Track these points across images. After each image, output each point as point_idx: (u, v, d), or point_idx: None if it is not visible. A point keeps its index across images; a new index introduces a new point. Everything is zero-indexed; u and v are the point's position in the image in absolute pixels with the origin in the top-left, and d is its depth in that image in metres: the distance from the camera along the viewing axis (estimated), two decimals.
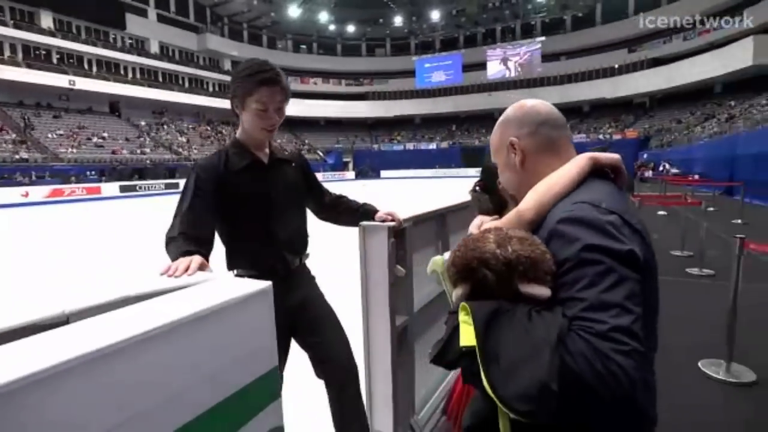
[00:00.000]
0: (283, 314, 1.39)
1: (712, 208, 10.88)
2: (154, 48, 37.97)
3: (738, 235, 2.87)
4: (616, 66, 39.65)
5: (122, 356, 0.60)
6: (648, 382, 0.81)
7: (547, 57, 42.91)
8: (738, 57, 28.88)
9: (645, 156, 29.08)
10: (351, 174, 44.29)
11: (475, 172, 36.91)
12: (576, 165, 0.91)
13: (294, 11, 45.69)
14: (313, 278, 1.76)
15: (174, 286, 0.88)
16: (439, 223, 2.39)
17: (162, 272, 1.05)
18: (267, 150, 1.61)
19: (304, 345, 1.66)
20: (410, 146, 47.13)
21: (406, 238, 1.85)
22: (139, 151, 30.06)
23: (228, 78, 42.84)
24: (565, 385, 0.65)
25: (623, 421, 0.76)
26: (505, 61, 45.10)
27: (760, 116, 17.51)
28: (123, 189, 24.22)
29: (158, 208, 16.81)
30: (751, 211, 10.14)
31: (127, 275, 5.94)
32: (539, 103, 1.02)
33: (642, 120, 38.13)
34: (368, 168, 44.70)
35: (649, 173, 23.13)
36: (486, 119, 48.04)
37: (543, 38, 43.22)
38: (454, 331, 0.76)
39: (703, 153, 19.94)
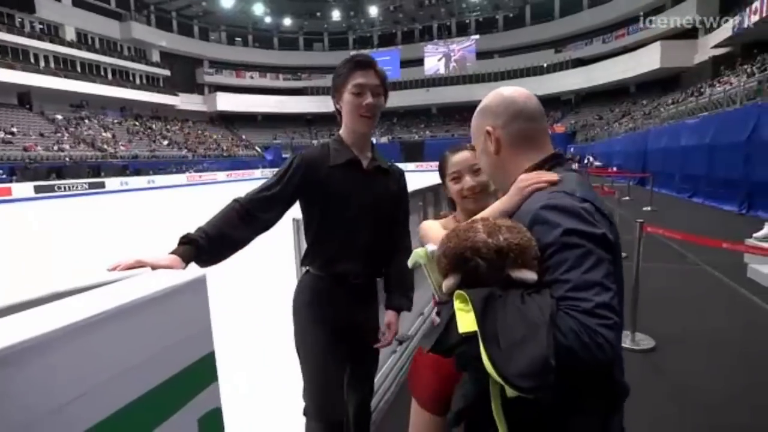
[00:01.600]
0: (341, 323, 1.50)
1: (627, 198, 11.97)
2: (70, 35, 34.88)
3: (638, 220, 3.24)
4: (545, 65, 42.05)
5: (48, 347, 0.64)
6: (619, 353, 0.88)
7: (482, 54, 44.57)
8: (648, 60, 31.69)
9: (572, 149, 31.18)
10: None
11: (414, 166, 37.70)
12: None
13: (227, 1, 43.95)
14: (377, 302, 1.65)
15: (107, 280, 0.91)
16: None
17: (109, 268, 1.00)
18: (369, 154, 1.53)
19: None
20: None
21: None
22: (56, 148, 27.56)
23: (158, 70, 40.53)
24: (558, 360, 0.70)
25: (606, 391, 0.85)
26: (441, 57, 46.26)
27: (666, 114, 19.34)
28: (38, 189, 22.17)
29: (81, 209, 15.64)
30: (659, 199, 11.24)
31: (43, 280, 5.53)
32: (517, 92, 1.03)
33: (569, 116, 40.74)
34: None
35: (575, 165, 24.85)
36: (424, 114, 49.11)
37: (477, 36, 44.82)
38: (451, 319, 0.78)
39: (620, 147, 21.74)
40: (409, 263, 1.00)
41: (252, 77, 48.31)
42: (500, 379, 0.70)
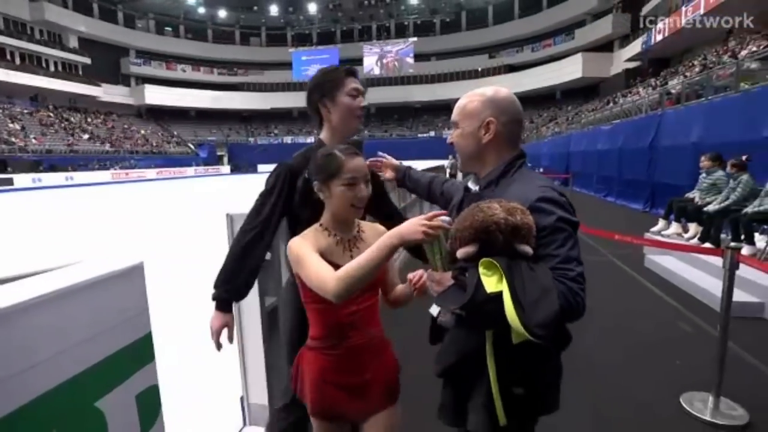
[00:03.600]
0: None
1: None
2: None
3: None
4: (479, 69, 43.82)
5: None
6: None
7: (419, 57, 45.56)
8: (571, 69, 34.10)
9: None
10: (226, 168, 41.96)
11: None
12: None
13: None
14: None
15: (49, 267, 0.97)
16: None
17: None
18: None
19: None
20: (288, 140, 46.28)
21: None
22: None
23: (76, 57, 37.30)
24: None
25: (563, 337, 1.10)
26: (380, 58, 46.72)
27: (586, 120, 20.96)
28: None
29: None
30: (579, 198, 12.22)
31: None
32: (515, 98, 1.23)
33: None
34: (244, 162, 42.74)
35: None
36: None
37: (415, 39, 45.75)
38: (479, 282, 0.96)
39: (547, 149, 23.28)
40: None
41: (184, 70, 45.92)
42: (523, 328, 0.90)
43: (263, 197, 1.50)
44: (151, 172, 33.09)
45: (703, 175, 5.58)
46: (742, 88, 8.01)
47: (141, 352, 1.01)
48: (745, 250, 4.34)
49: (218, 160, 43.22)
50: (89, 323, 0.88)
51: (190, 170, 37.11)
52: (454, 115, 1.25)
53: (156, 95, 42.28)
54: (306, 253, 1.14)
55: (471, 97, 1.23)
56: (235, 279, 1.43)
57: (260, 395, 2.04)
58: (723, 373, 2.34)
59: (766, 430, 2.21)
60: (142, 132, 40.16)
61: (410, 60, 45.87)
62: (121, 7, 41.71)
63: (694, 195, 5.69)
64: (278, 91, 48.44)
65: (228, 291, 1.43)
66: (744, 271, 3.73)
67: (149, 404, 1.03)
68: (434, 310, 1.19)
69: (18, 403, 0.74)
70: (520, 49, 41.58)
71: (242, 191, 19.25)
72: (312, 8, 47.07)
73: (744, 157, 5.02)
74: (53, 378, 0.80)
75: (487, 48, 43.59)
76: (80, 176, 27.10)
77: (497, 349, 1.05)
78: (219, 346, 1.40)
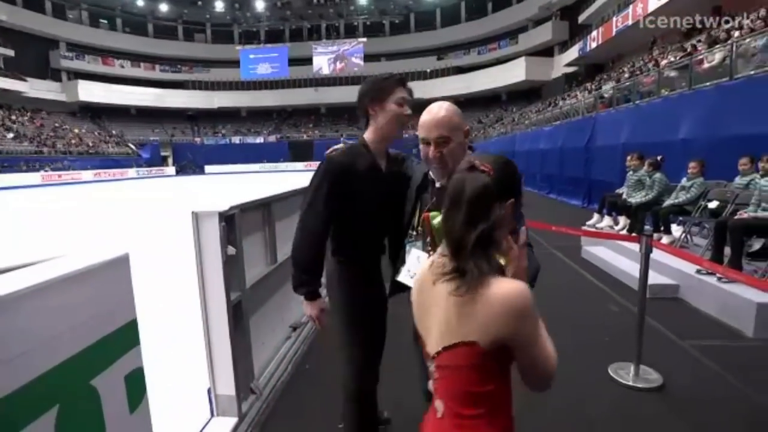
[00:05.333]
0: (370, 296, 1.79)
1: None
2: None
3: None
4: (428, 70, 44.70)
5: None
6: None
7: (369, 57, 45.78)
8: (515, 72, 35.62)
9: None
10: (171, 170, 40.26)
11: (303, 166, 37.52)
12: None
13: None
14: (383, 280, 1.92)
15: (40, 259, 1.04)
16: (266, 211, 2.70)
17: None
18: (385, 158, 1.77)
19: None
20: (236, 140, 45.10)
21: (235, 224, 2.13)
22: None
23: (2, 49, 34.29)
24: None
25: None
26: (330, 57, 46.53)
27: (529, 121, 22.05)
28: None
29: None
30: (524, 195, 12.86)
31: None
32: None
33: None
34: (190, 163, 41.21)
35: None
36: (313, 114, 48.90)
37: (365, 39, 45.94)
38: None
39: (494, 149, 24.19)
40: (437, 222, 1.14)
41: (123, 66, 43.43)
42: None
43: (314, 192, 1.66)
44: (87, 174, 31.14)
45: (630, 172, 6.15)
46: (663, 95, 8.83)
47: (128, 336, 1.10)
48: (665, 239, 4.87)
49: (162, 161, 41.34)
50: (82, 308, 0.97)
51: (131, 171, 35.29)
52: (444, 130, 1.37)
53: (91, 92, 39.69)
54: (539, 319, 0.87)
55: (448, 110, 1.40)
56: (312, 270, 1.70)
57: (227, 386, 2.13)
58: (642, 346, 2.69)
59: (675, 389, 2.57)
60: (76, 131, 37.63)
61: (360, 60, 46.01)
62: None
63: (623, 191, 6.25)
64: (225, 90, 47.02)
65: (311, 281, 1.69)
66: (662, 257, 4.20)
67: (136, 385, 1.13)
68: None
69: (26, 379, 0.82)
70: (467, 51, 42.82)
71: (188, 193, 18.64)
72: (259, 6, 46.04)
73: (659, 157, 5.64)
74: (53, 358, 0.89)
75: (435, 50, 44.53)
76: (4, 178, 25.03)
77: None
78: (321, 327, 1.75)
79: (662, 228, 5.00)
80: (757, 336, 3.23)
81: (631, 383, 2.61)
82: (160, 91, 44.22)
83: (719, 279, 3.65)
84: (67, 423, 0.90)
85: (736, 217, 3.90)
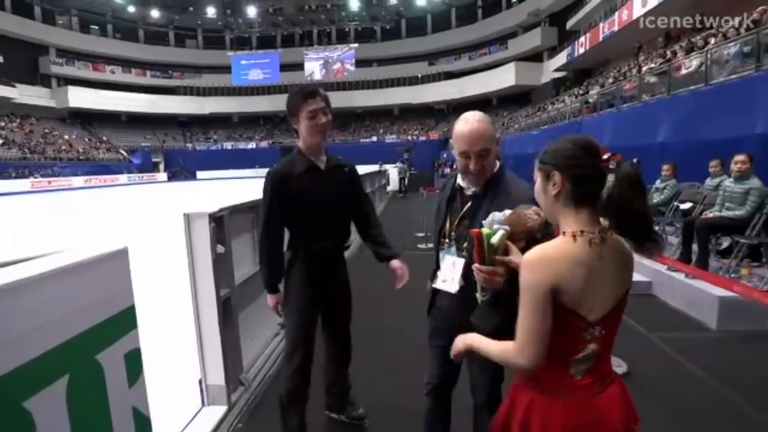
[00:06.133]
0: (315, 287, 2.00)
1: None
2: None
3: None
4: (419, 75, 45.07)
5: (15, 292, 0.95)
6: None
7: (361, 62, 46.10)
8: (505, 77, 36.07)
9: (445, 155, 34.01)
10: (163, 176, 40.09)
11: None
12: None
13: None
14: (347, 271, 2.21)
15: (43, 253, 1.18)
16: (255, 213, 2.85)
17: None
18: (324, 158, 2.01)
19: (322, 316, 2.13)
20: (228, 145, 45.01)
21: (224, 225, 2.28)
22: None
23: None
24: None
25: None
26: (322, 63, 46.77)
27: (518, 126, 22.39)
28: None
29: None
30: None
31: None
32: None
33: (442, 124, 44.18)
34: (182, 169, 41.06)
35: (447, 170, 27.29)
36: None
37: (356, 45, 46.25)
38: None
39: None
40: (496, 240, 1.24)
41: (113, 72, 43.29)
42: None
43: (263, 201, 1.98)
44: (78, 180, 31.00)
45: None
46: (643, 100, 9.11)
47: (127, 319, 1.25)
48: None
49: (154, 167, 41.20)
50: (88, 293, 1.12)
51: (122, 177, 35.12)
52: (485, 143, 1.44)
53: (81, 98, 39.49)
54: None
55: (483, 122, 1.46)
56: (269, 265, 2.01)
57: (218, 377, 2.27)
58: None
59: (638, 376, 2.75)
60: (66, 137, 37.47)
61: (351, 66, 46.30)
62: (38, 1, 38.61)
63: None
64: (217, 96, 47.04)
65: (271, 277, 2.00)
66: (637, 256, 4.40)
67: (134, 363, 1.27)
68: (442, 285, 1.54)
69: (41, 350, 0.97)
70: (458, 56, 43.24)
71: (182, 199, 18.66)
72: (251, 12, 46.20)
73: (634, 160, 5.84)
74: (63, 334, 1.04)
75: (426, 55, 44.91)
76: None
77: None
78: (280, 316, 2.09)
79: None
80: (719, 328, 3.43)
81: None
82: (151, 97, 44.10)
83: (687, 276, 3.84)
84: (76, 390, 1.04)
85: (702, 216, 4.11)
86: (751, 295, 2.99)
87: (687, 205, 4.95)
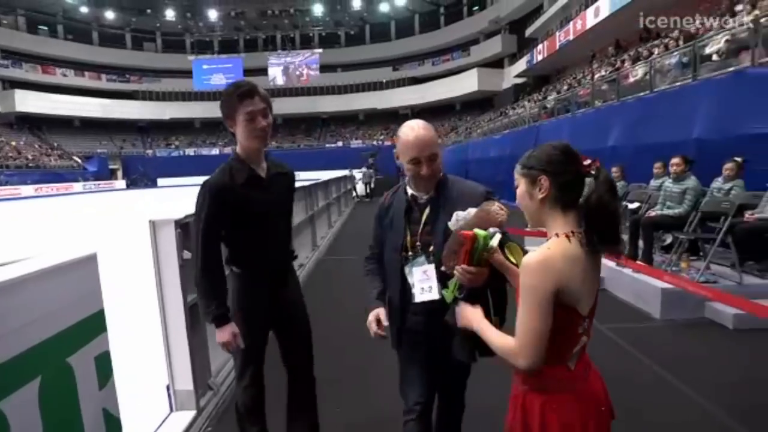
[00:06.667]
0: (267, 306, 1.80)
1: None
2: None
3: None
4: (384, 81, 45.48)
5: None
6: None
7: (325, 68, 46.04)
8: (468, 83, 36.94)
9: None
10: (121, 183, 38.60)
11: None
12: None
13: None
14: (298, 281, 2.03)
15: (15, 258, 1.21)
16: None
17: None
18: (264, 164, 1.80)
19: (277, 335, 1.92)
20: (190, 152, 43.81)
21: (190, 231, 2.31)
22: None
23: None
24: None
25: None
26: (286, 68, 46.39)
27: (481, 130, 22.97)
28: None
29: None
30: None
31: None
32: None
33: None
34: (142, 176, 39.64)
35: None
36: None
37: (320, 50, 46.18)
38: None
39: (449, 157, 24.98)
40: (495, 242, 1.29)
41: (65, 74, 41.36)
42: None
43: (198, 219, 1.69)
44: (27, 189, 29.40)
45: None
46: (596, 105, 9.61)
47: (97, 322, 1.29)
48: None
49: (111, 174, 39.60)
50: (59, 298, 1.16)
51: (77, 185, 33.55)
52: (434, 148, 1.51)
53: (30, 102, 37.50)
54: None
55: (429, 128, 1.52)
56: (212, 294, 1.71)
57: (186, 382, 2.28)
58: None
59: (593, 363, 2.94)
60: (14, 143, 35.50)
61: (316, 71, 46.17)
62: None
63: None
64: (178, 101, 45.79)
65: (218, 307, 1.68)
66: None
67: (104, 366, 1.31)
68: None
69: (15, 352, 1.01)
70: (421, 62, 43.93)
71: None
72: (212, 15, 45.29)
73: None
74: (35, 337, 1.07)
75: (390, 61, 45.37)
76: None
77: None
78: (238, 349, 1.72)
79: None
80: (663, 317, 3.71)
81: None
82: (106, 102, 42.39)
83: (634, 270, 4.13)
84: (49, 392, 1.08)
85: (647, 215, 4.42)
86: (687, 287, 3.26)
87: (635, 205, 5.29)
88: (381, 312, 1.54)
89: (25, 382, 1.03)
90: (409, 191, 1.57)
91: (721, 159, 4.51)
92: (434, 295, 1.47)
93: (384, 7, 43.96)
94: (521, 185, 1.18)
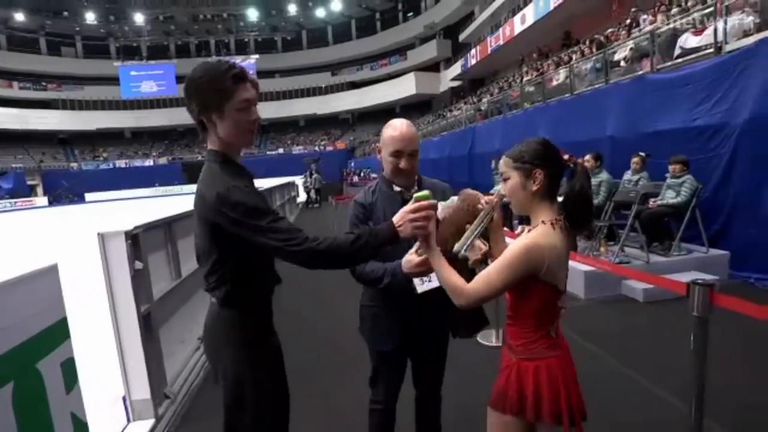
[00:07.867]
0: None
1: None
2: None
3: None
4: (323, 86, 45.38)
5: None
6: None
7: (263, 74, 45.15)
8: (406, 87, 37.78)
9: (352, 164, 34.61)
10: (43, 200, 35.58)
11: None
12: None
13: None
14: None
15: None
16: (167, 230, 2.90)
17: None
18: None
19: None
20: (121, 163, 41.31)
21: (140, 242, 2.34)
22: None
23: None
24: None
25: None
26: None
27: (420, 133, 23.62)
28: None
29: None
30: None
31: None
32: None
33: (348, 133, 44.90)
34: (66, 192, 36.75)
35: (355, 178, 27.82)
36: None
37: (257, 56, 45.26)
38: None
39: None
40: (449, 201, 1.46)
41: None
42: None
43: (257, 212, 1.22)
44: None
45: (497, 176, 7.18)
46: (525, 107, 10.29)
47: (61, 330, 1.35)
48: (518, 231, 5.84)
49: (30, 191, 36.39)
50: (25, 307, 1.22)
51: None
52: (415, 144, 1.63)
53: None
54: None
55: (411, 126, 1.64)
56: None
57: (143, 391, 2.31)
58: (499, 315, 3.35)
59: None
60: None
61: (254, 76, 45.15)
62: None
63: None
64: (105, 110, 42.99)
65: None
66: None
67: (70, 371, 1.37)
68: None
69: None
70: (360, 67, 44.30)
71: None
72: (138, 19, 42.96)
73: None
74: (8, 343, 1.14)
75: (329, 66, 45.38)
76: None
77: None
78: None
79: (523, 221, 5.99)
80: (586, 297, 4.14)
81: (494, 344, 3.26)
82: (20, 112, 38.85)
83: None
84: (21, 396, 1.14)
85: None
86: (605, 268, 3.68)
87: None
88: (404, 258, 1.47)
89: (1, 386, 1.09)
90: (395, 188, 1.65)
91: (630, 154, 5.11)
92: (435, 284, 1.50)
93: (320, 13, 43.91)
94: (513, 178, 1.28)
